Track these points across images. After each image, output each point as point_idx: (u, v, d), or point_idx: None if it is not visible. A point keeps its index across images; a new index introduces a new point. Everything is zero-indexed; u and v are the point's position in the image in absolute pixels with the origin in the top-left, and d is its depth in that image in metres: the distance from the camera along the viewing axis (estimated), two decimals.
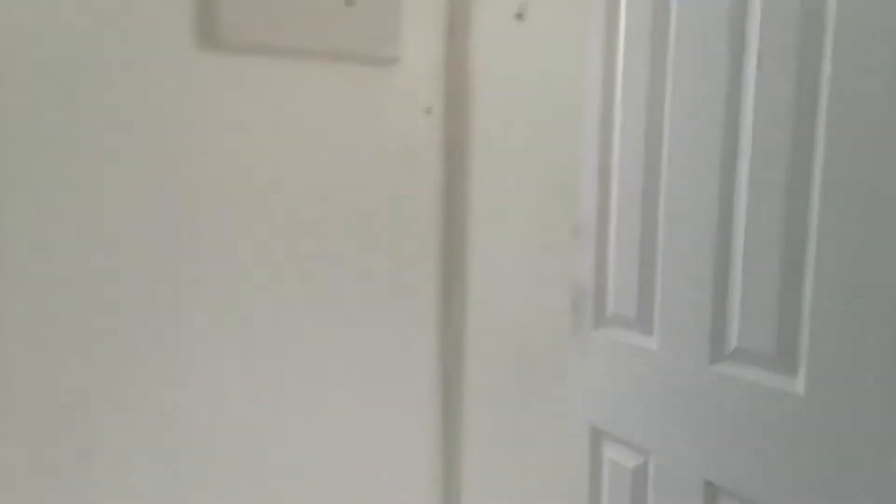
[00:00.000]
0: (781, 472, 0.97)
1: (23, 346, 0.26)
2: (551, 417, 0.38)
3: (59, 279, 0.26)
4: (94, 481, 0.28)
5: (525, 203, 0.36)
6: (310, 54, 0.30)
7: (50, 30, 0.24)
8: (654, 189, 1.13)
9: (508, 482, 0.37)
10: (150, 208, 0.27)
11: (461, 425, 0.35)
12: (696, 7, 1.04)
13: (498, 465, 0.37)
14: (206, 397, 0.29)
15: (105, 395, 0.27)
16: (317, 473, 0.31)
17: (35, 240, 0.25)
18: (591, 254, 1.26)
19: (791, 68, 0.92)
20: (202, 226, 0.28)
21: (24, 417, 0.26)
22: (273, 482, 0.30)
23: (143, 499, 0.28)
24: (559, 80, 0.36)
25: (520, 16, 0.34)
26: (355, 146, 0.32)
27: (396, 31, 0.31)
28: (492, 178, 0.34)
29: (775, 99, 0.94)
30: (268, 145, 0.29)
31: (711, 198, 1.04)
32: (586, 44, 0.36)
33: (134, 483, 0.28)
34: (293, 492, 0.31)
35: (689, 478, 1.12)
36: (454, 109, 0.34)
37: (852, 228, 0.86)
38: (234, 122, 0.28)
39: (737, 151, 1.00)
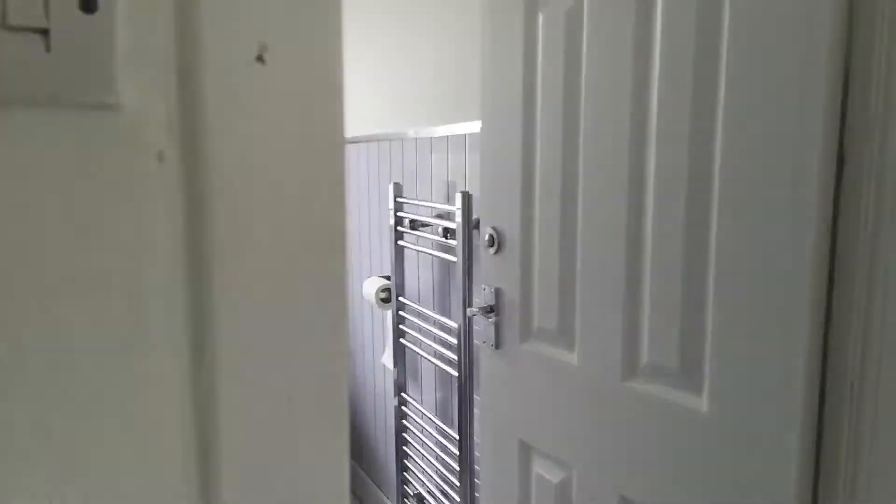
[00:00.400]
0: (688, 489, 0.97)
1: None
2: (320, 478, 0.37)
3: None
4: None
5: (280, 251, 0.34)
6: (4, 103, 0.29)
7: None
8: (572, 206, 1.13)
9: None
10: None
11: (220, 491, 0.34)
12: (605, 31, 1.03)
13: None
14: None
15: None
16: None
17: None
18: (517, 266, 1.25)
19: (688, 95, 0.91)
20: None
21: None
22: None
23: None
24: (310, 123, 0.35)
25: (260, 58, 0.33)
26: (73, 196, 0.31)
27: (110, 76, 0.30)
28: (238, 226, 0.33)
29: (675, 126, 0.94)
30: None
31: (621, 217, 1.03)
32: (338, 84, 0.35)
33: None
34: None
35: (606, 493, 1.11)
36: (192, 156, 0.33)
37: (748, 251, 0.86)
38: None
39: (643, 172, 1.00)
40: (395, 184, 1.91)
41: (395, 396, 2.02)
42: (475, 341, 1.61)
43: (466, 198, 1.54)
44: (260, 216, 0.34)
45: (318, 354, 0.36)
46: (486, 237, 1.30)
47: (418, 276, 1.99)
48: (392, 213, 1.92)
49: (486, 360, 1.36)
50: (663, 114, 0.96)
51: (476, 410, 1.65)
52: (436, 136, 1.83)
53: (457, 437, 1.68)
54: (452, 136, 1.74)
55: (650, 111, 0.98)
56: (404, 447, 2.01)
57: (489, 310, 1.31)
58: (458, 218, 1.56)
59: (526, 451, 1.29)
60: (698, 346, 0.94)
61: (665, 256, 0.97)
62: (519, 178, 1.23)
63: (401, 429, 2.01)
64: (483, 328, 1.35)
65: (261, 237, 0.34)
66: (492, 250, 1.30)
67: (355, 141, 2.43)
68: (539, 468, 1.26)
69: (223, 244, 0.33)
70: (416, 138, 1.94)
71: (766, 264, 0.84)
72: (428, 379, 1.98)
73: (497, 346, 1.32)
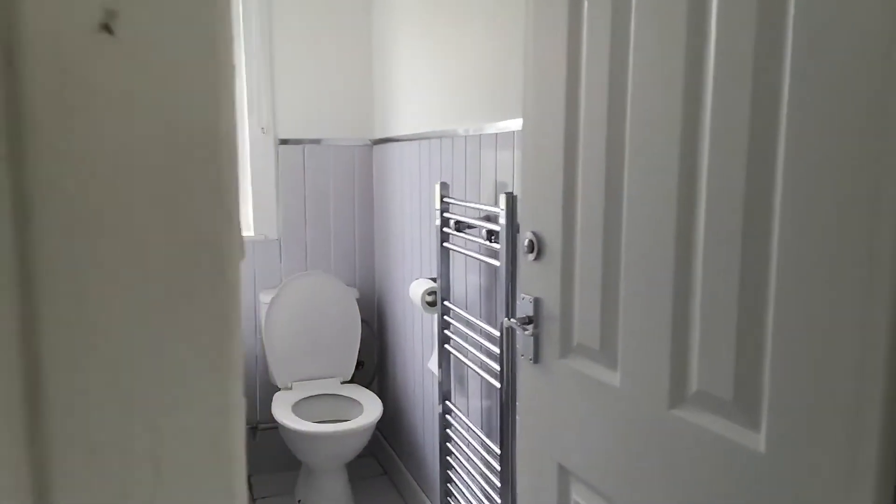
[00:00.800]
0: None
1: None
2: None
3: None
4: None
5: (136, 271, 0.27)
6: None
7: None
8: (616, 211, 1.01)
9: None
10: None
11: None
12: (655, 21, 0.92)
13: None
14: None
15: None
16: None
17: None
18: (557, 274, 1.15)
19: (747, 94, 0.79)
20: None
21: None
22: None
23: None
24: (179, 110, 0.27)
25: (107, 27, 0.26)
26: None
27: None
28: (76, 240, 0.26)
29: (732, 125, 0.81)
30: None
31: (670, 226, 0.91)
32: (221, 59, 0.27)
33: None
34: None
35: None
36: (17, 153, 0.25)
37: (814, 267, 0.73)
38: None
39: (695, 177, 0.88)
40: (441, 183, 1.83)
41: (439, 404, 1.94)
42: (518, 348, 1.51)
43: (511, 199, 1.44)
44: (105, 228, 0.26)
45: (196, 404, 0.28)
46: (526, 242, 1.20)
47: (466, 280, 1.90)
48: (438, 213, 1.84)
49: (524, 374, 1.26)
50: (719, 113, 0.84)
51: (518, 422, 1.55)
52: (485, 133, 1.74)
53: (499, 452, 1.59)
54: (501, 133, 1.65)
55: (704, 110, 0.86)
56: (448, 458, 1.93)
57: (527, 321, 1.21)
58: (502, 220, 1.46)
59: (565, 478, 1.19)
60: (755, 377, 0.81)
61: (718, 270, 0.85)
62: (560, 180, 1.12)
63: (445, 438, 1.94)
64: (522, 340, 1.25)
65: (108, 255, 0.26)
66: (531, 256, 1.20)
67: (406, 139, 2.37)
68: (578, 496, 1.16)
69: (57, 263, 0.26)
70: (465, 136, 1.86)
71: (836, 282, 0.71)
72: (474, 388, 1.89)
73: (535, 360, 1.22)
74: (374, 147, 2.79)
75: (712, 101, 0.85)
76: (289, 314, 2.57)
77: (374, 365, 2.92)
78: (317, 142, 2.74)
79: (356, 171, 2.81)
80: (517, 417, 1.50)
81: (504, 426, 1.53)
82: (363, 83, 2.77)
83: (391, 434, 2.78)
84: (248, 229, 2.70)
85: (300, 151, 2.71)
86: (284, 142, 2.69)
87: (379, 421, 2.39)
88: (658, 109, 0.93)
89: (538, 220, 1.19)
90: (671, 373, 0.93)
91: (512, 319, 1.23)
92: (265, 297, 2.60)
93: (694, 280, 0.89)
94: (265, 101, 2.63)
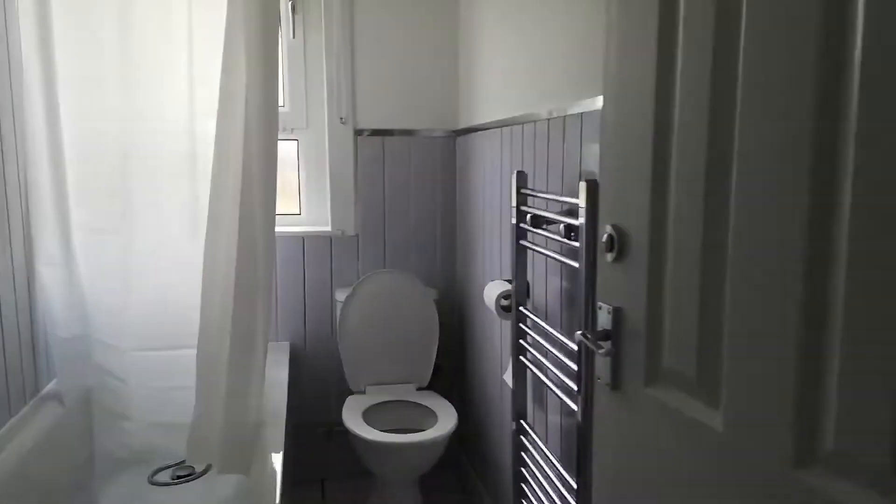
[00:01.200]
0: None
1: None
2: None
3: None
4: None
5: None
6: None
7: None
8: (722, 198, 0.76)
9: None
10: None
11: None
12: None
13: None
14: None
15: None
16: None
17: None
18: (643, 279, 0.90)
19: None
20: None
21: None
22: None
23: None
24: None
25: None
26: None
27: None
28: None
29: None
30: None
31: (798, 218, 0.65)
32: None
33: None
34: None
35: None
36: None
37: None
38: None
39: (836, 150, 0.62)
40: (518, 172, 1.61)
41: (512, 422, 1.72)
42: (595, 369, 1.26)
43: (592, 187, 1.20)
44: None
45: None
46: (605, 238, 0.97)
47: (546, 284, 1.67)
48: (514, 207, 1.63)
49: (600, 403, 1.03)
50: (872, 58, 0.58)
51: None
52: (570, 113, 1.50)
53: (575, 487, 1.35)
54: (587, 112, 1.41)
55: (853, 47, 0.60)
56: (522, 484, 1.71)
57: (604, 336, 0.97)
58: (583, 213, 1.23)
59: None
60: None
61: (870, 282, 0.59)
62: (649, 160, 0.88)
63: (519, 461, 1.71)
64: (599, 360, 1.02)
65: None
66: (610, 256, 0.96)
67: (487, 127, 2.16)
68: None
69: None
70: (548, 119, 1.63)
71: None
72: (553, 407, 1.66)
73: (614, 386, 0.98)
74: (458, 138, 2.61)
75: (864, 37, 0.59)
76: (364, 314, 2.44)
77: (453, 371, 2.73)
78: (400, 133, 2.59)
79: (438, 164, 2.63)
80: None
81: (581, 458, 1.30)
82: (448, 71, 2.59)
83: (470, 448, 2.59)
84: (325, 224, 2.59)
85: (380, 143, 2.58)
86: (370, 133, 2.56)
87: (458, 433, 2.20)
88: (782, 64, 0.67)
89: (620, 210, 0.95)
90: (796, 420, 0.67)
91: (587, 333, 1.00)
92: (341, 296, 2.48)
93: (833, 293, 0.62)
94: (345, 91, 2.51)
